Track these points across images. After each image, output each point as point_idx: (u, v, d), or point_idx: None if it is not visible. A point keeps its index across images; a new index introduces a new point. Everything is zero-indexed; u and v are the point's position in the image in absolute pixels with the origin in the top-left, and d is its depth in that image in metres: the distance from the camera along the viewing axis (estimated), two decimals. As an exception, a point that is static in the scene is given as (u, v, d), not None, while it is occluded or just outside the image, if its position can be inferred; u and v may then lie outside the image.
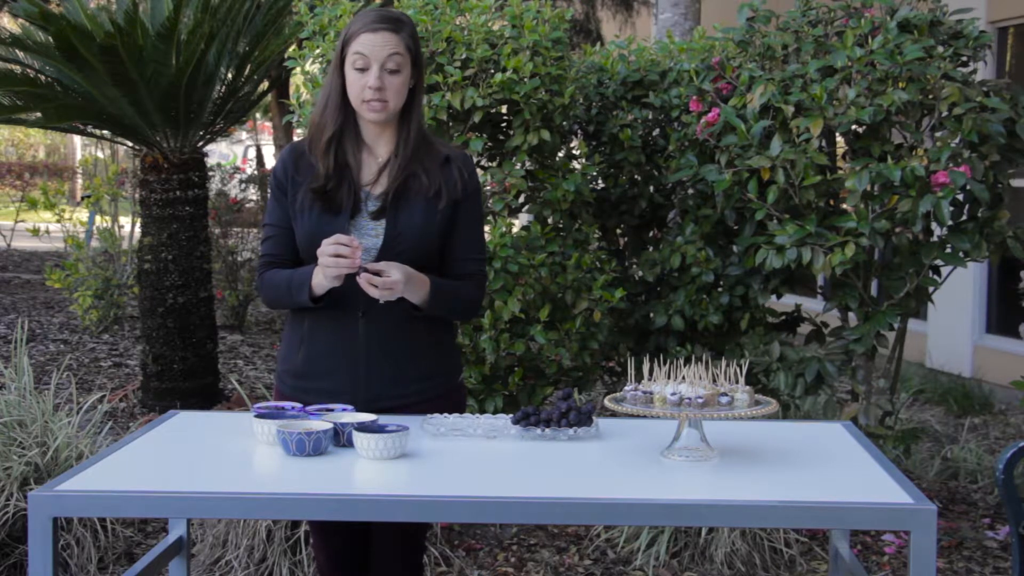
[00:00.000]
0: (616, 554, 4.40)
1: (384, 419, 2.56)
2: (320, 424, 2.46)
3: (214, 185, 9.70)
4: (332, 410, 2.61)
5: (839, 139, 4.58)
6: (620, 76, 4.86)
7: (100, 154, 11.77)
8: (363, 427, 2.44)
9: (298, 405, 2.64)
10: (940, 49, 4.21)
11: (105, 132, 7.00)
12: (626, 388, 2.47)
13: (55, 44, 5.78)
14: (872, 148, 4.19)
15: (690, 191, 4.72)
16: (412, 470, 2.36)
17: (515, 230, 4.48)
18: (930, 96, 4.13)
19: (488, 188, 4.42)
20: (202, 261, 6.46)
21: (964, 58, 4.30)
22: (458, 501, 2.19)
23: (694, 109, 4.43)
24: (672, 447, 2.44)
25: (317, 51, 4.42)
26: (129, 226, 9.98)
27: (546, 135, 4.33)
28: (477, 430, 2.62)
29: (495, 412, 4.24)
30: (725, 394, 2.41)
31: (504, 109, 4.45)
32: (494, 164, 4.56)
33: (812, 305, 5.41)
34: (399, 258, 2.67)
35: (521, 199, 4.58)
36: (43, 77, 6.33)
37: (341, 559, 2.87)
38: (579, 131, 4.92)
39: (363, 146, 2.77)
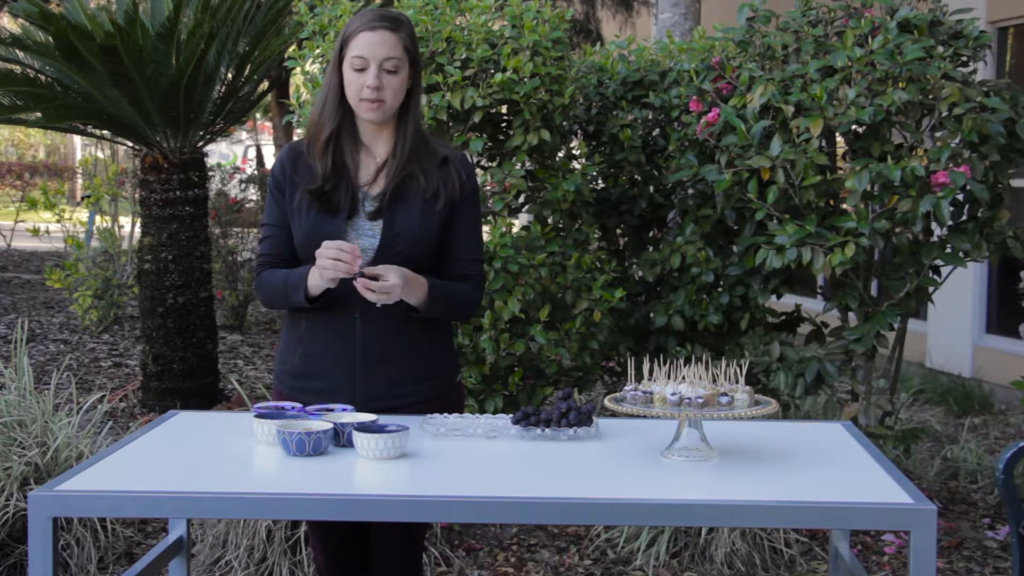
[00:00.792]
0: (616, 554, 4.40)
1: (384, 419, 2.56)
2: (320, 424, 2.46)
3: (214, 185, 9.70)
4: (332, 410, 2.61)
5: (839, 139, 4.58)
6: (620, 76, 4.86)
7: (100, 154, 11.77)
8: (363, 427, 2.44)
9: (298, 405, 2.64)
10: (940, 49, 4.21)
11: (105, 132, 7.00)
12: (626, 388, 2.46)
13: (55, 44, 5.78)
14: (872, 148, 4.19)
15: (690, 191, 4.72)
16: (412, 470, 2.36)
17: (515, 230, 4.48)
18: (930, 96, 4.13)
19: (488, 188, 4.42)
20: (202, 261, 6.46)
21: (964, 58, 4.30)
22: (458, 501, 2.19)
23: (694, 109, 4.43)
24: (672, 447, 2.44)
25: (317, 51, 4.42)
26: (129, 226, 9.98)
27: (546, 135, 4.33)
28: (477, 430, 2.62)
29: (495, 412, 4.24)
30: (725, 394, 2.41)
31: (504, 109, 4.45)
32: (494, 164, 4.56)
33: (812, 305, 5.41)
34: (396, 259, 2.67)
35: (521, 199, 4.58)
36: (43, 77, 6.33)
37: (340, 559, 2.87)
38: (579, 131, 4.92)
39: (361, 146, 2.77)
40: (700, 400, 2.37)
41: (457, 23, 4.37)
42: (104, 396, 5.10)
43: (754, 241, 4.32)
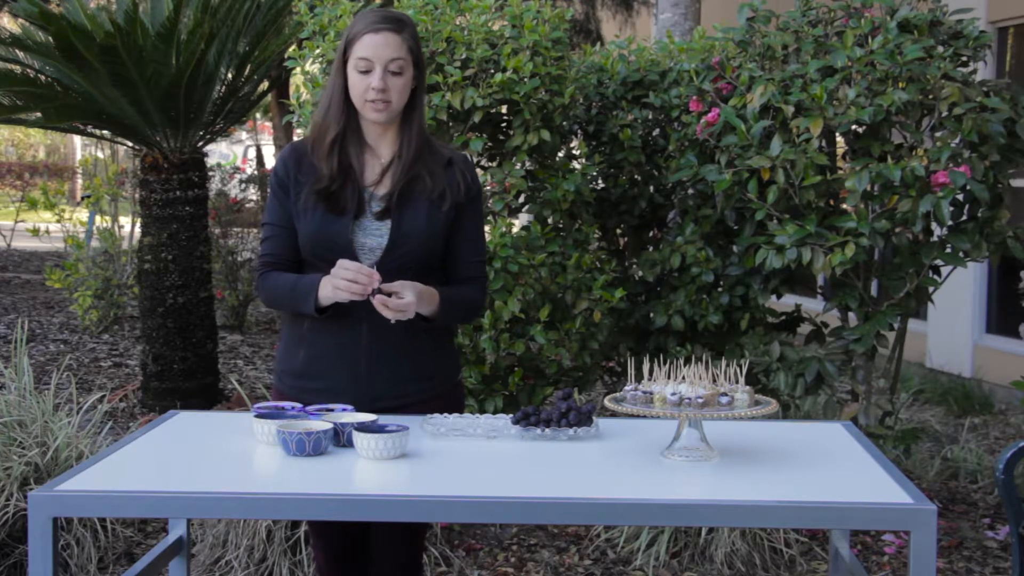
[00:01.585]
0: (616, 554, 4.40)
1: (384, 419, 2.56)
2: (320, 424, 2.46)
3: (214, 185, 9.71)
4: (332, 410, 2.61)
5: (839, 139, 4.58)
6: (620, 76, 4.86)
7: (100, 154, 11.77)
8: (363, 427, 2.44)
9: (298, 405, 2.64)
10: (940, 49, 4.21)
11: (105, 132, 7.01)
12: (626, 388, 2.47)
13: (55, 44, 5.78)
14: (872, 148, 4.19)
15: (690, 191, 4.72)
16: (412, 470, 2.36)
17: (515, 230, 4.48)
18: (930, 96, 4.13)
19: (488, 188, 4.42)
20: (202, 261, 6.46)
21: (964, 58, 4.30)
22: (458, 501, 2.19)
23: (694, 109, 4.43)
24: (672, 447, 2.44)
25: (317, 51, 4.42)
26: (129, 226, 9.98)
27: (546, 135, 4.33)
28: (477, 430, 2.62)
29: (495, 412, 4.24)
30: (725, 394, 2.41)
31: (504, 109, 4.45)
32: (494, 164, 4.56)
33: (812, 305, 5.41)
34: (403, 259, 2.68)
35: (521, 199, 4.58)
36: (43, 77, 6.33)
37: (341, 559, 2.87)
38: (579, 131, 4.92)
39: (366, 147, 2.77)
40: (700, 400, 2.37)
41: (457, 23, 4.37)
42: (104, 396, 5.10)
43: (754, 241, 4.32)
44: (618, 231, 5.05)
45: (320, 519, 2.80)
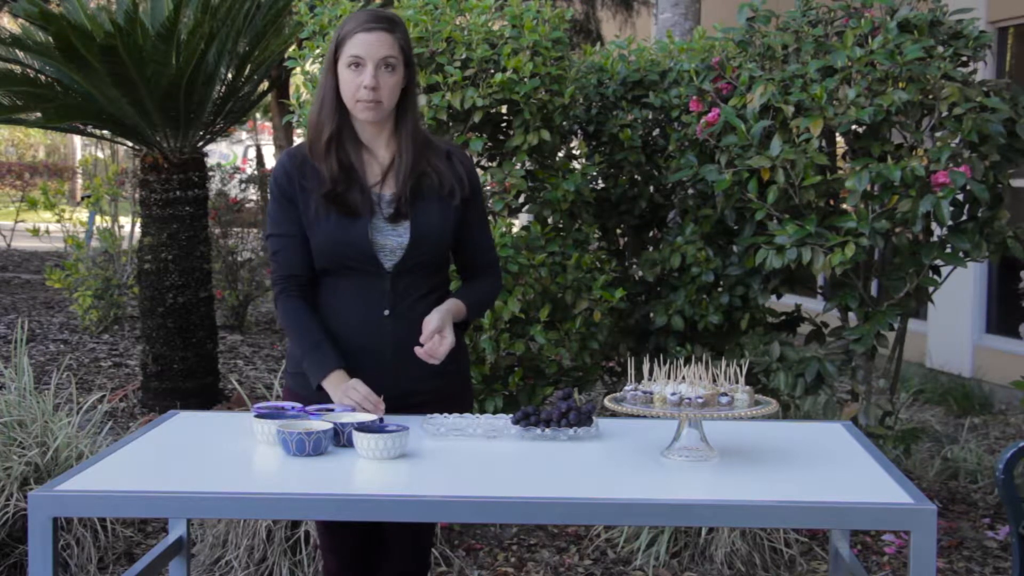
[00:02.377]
0: (616, 554, 4.40)
1: (384, 419, 2.56)
2: (320, 424, 2.46)
3: (214, 185, 9.70)
4: (332, 410, 2.61)
5: (839, 139, 4.58)
6: (620, 76, 4.86)
7: (100, 154, 11.78)
8: (363, 427, 2.44)
9: (298, 405, 2.64)
10: (940, 49, 4.21)
11: (105, 132, 7.01)
12: (626, 388, 2.47)
13: (55, 44, 5.78)
14: (872, 148, 4.19)
15: (690, 191, 4.72)
16: (412, 470, 2.36)
17: (515, 230, 4.48)
18: (930, 96, 4.13)
19: (488, 188, 4.42)
20: (202, 261, 6.46)
21: (964, 58, 4.30)
22: (458, 501, 2.19)
23: (694, 109, 4.43)
24: (672, 447, 2.44)
25: (317, 51, 4.42)
26: (129, 226, 9.98)
27: (546, 135, 4.33)
28: (477, 430, 2.63)
29: (495, 412, 4.24)
30: (725, 394, 2.41)
31: (504, 109, 4.45)
32: (494, 164, 4.56)
33: (812, 305, 5.41)
34: (422, 259, 2.71)
35: (521, 199, 4.58)
36: (43, 77, 6.33)
37: (352, 561, 2.85)
38: (579, 131, 4.92)
39: (362, 147, 2.77)
40: (700, 400, 2.37)
41: (457, 23, 4.37)
42: (104, 396, 5.10)
43: (754, 241, 4.32)
44: (618, 231, 5.05)
45: (320, 519, 2.80)
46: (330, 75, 2.71)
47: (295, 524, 4.06)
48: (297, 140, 11.67)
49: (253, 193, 10.38)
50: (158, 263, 6.34)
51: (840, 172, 4.31)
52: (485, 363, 4.35)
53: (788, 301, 5.23)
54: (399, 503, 2.21)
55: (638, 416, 2.42)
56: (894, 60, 4.07)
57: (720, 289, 4.68)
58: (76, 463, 4.16)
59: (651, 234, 5.06)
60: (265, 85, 7.63)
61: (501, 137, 4.56)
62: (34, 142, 28.10)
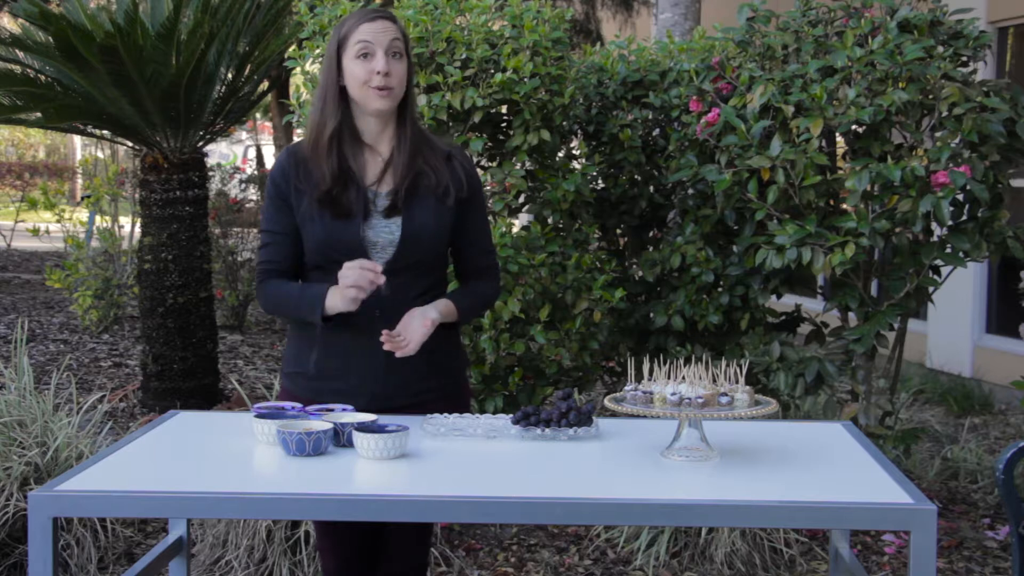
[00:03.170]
0: (616, 554, 4.40)
1: (384, 419, 2.56)
2: (320, 424, 2.46)
3: (214, 185, 9.71)
4: (332, 410, 2.61)
5: (839, 139, 4.58)
6: (620, 76, 4.86)
7: (100, 154, 11.78)
8: (363, 427, 2.44)
9: (298, 405, 2.64)
10: (940, 49, 4.21)
11: (105, 132, 7.01)
12: (626, 388, 2.46)
13: (55, 44, 5.78)
14: (872, 148, 4.19)
15: (690, 191, 4.72)
16: (412, 470, 2.36)
17: (515, 230, 4.48)
18: (930, 96, 4.13)
19: (488, 188, 4.42)
20: (202, 261, 6.46)
21: (964, 58, 4.30)
22: (458, 501, 2.19)
23: (694, 109, 4.43)
24: (672, 447, 2.44)
25: (317, 51, 4.42)
26: (129, 226, 9.98)
27: (546, 135, 4.33)
28: (477, 430, 2.62)
29: (495, 412, 4.24)
30: (725, 394, 2.41)
31: (504, 109, 4.45)
32: (494, 164, 4.56)
33: (812, 305, 5.41)
34: (415, 255, 2.70)
35: (521, 199, 4.58)
36: (43, 77, 6.33)
37: (351, 562, 2.85)
38: (579, 131, 4.91)
39: (363, 146, 2.76)
40: (700, 400, 2.37)
41: (457, 23, 4.37)
42: (104, 396, 5.11)
43: (754, 241, 4.32)
44: (618, 231, 5.05)
45: (320, 519, 2.80)
46: (332, 72, 2.70)
47: (295, 524, 4.06)
48: (297, 140, 11.66)
49: (253, 193, 10.39)
50: (158, 263, 6.34)
51: (840, 172, 4.31)
52: (485, 363, 4.35)
53: (788, 301, 5.23)
54: (399, 503, 2.21)
55: (638, 416, 2.42)
56: (894, 60, 4.07)
57: (720, 289, 4.68)
58: (76, 463, 4.16)
59: (651, 234, 5.06)
60: (265, 85, 7.63)
61: (501, 137, 4.56)
62: (34, 142, 28.11)
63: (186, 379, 6.37)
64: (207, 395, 6.43)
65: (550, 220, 4.54)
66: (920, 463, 5.26)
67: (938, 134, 4.18)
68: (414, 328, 2.64)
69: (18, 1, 6.06)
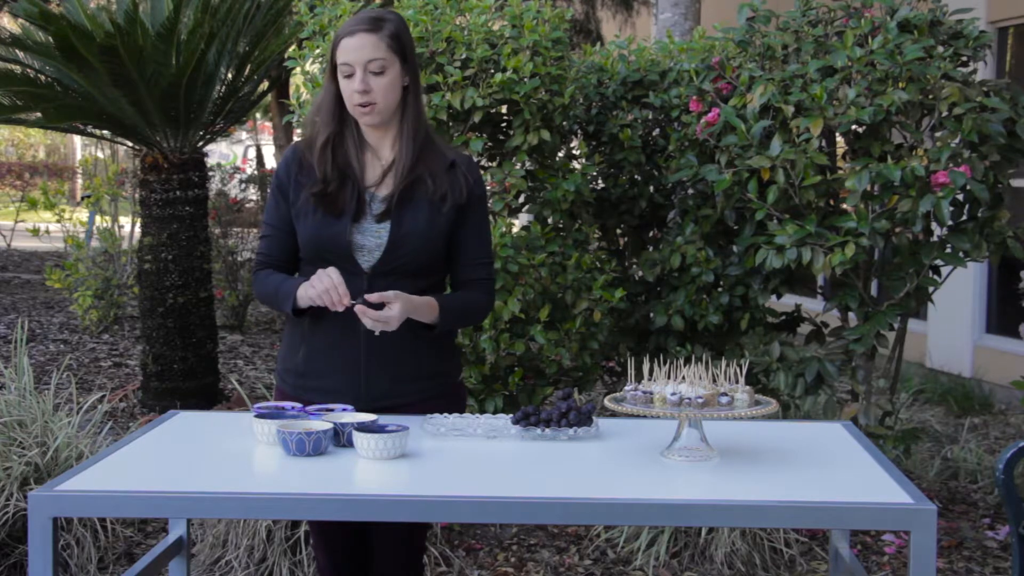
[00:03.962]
0: (616, 554, 4.40)
1: (384, 419, 2.56)
2: (320, 424, 2.46)
3: (214, 185, 9.71)
4: (332, 410, 2.61)
5: (839, 139, 4.58)
6: (620, 76, 4.86)
7: (100, 154, 11.78)
8: (363, 427, 2.44)
9: (298, 405, 2.64)
10: (940, 49, 4.21)
11: (105, 132, 7.01)
12: (626, 388, 2.46)
13: (55, 44, 5.78)
14: (872, 148, 4.19)
15: (690, 191, 4.72)
16: (412, 470, 2.36)
17: (515, 230, 4.48)
18: (930, 96, 4.13)
19: (488, 188, 4.41)
20: (202, 261, 6.46)
21: (964, 58, 4.30)
22: (458, 501, 2.19)
23: (694, 109, 4.43)
24: (672, 447, 2.44)
25: (317, 51, 4.42)
26: (129, 226, 9.98)
27: (546, 135, 4.33)
28: (477, 430, 2.62)
29: (495, 412, 4.24)
30: (725, 394, 2.41)
31: (504, 109, 4.45)
32: (494, 164, 4.56)
33: (812, 305, 5.41)
34: (402, 260, 2.69)
35: (521, 199, 4.58)
36: (43, 77, 6.33)
37: (343, 560, 2.87)
38: (579, 131, 4.91)
39: (366, 148, 2.77)
40: (700, 400, 2.37)
41: (457, 23, 4.37)
42: (104, 396, 5.11)
43: (754, 241, 4.32)
44: (618, 231, 5.05)
45: (320, 519, 2.81)
46: (331, 81, 2.73)
47: (295, 524, 4.06)
48: (297, 140, 11.65)
49: (253, 193, 10.39)
50: (158, 263, 6.34)
51: (840, 172, 4.31)
52: (485, 363, 4.35)
53: (788, 301, 5.23)
54: (399, 503, 2.21)
55: (638, 416, 2.42)
56: (894, 60, 4.07)
57: (720, 289, 4.68)
58: (76, 463, 4.16)
59: (651, 234, 5.06)
60: (265, 85, 7.63)
61: (501, 137, 4.56)
62: (34, 142, 28.10)
63: (186, 379, 6.37)
64: (207, 395, 6.43)
65: (550, 220, 4.54)
66: (920, 463, 5.26)
67: (938, 134, 4.18)
68: (393, 307, 2.61)
69: (18, 1, 6.06)
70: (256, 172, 11.76)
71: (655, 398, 2.41)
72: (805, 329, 4.89)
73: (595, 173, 4.75)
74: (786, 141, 4.14)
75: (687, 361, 2.56)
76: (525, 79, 4.24)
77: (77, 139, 23.49)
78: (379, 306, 2.60)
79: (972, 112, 4.06)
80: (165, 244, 6.33)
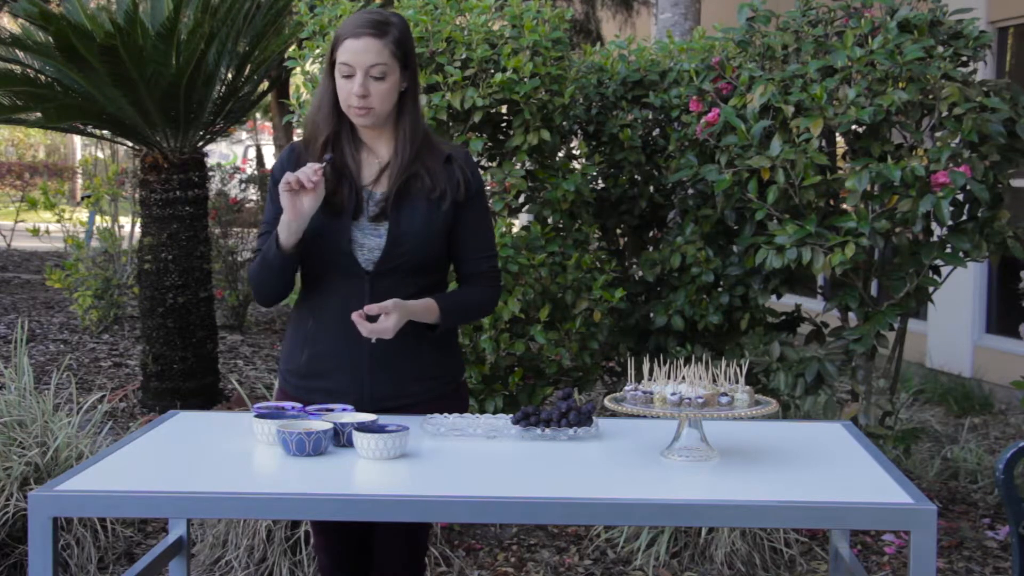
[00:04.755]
0: (616, 554, 4.40)
1: (384, 419, 2.56)
2: (320, 424, 2.46)
3: (214, 185, 9.70)
4: (332, 410, 2.61)
5: (839, 139, 4.58)
6: (620, 76, 4.86)
7: (100, 154, 11.78)
8: (363, 427, 2.44)
9: (298, 405, 2.64)
10: (940, 49, 4.21)
11: (105, 132, 7.00)
12: (626, 388, 2.47)
13: (55, 44, 5.78)
14: (872, 148, 4.19)
15: (690, 191, 4.72)
16: (412, 470, 2.36)
17: (515, 230, 4.48)
18: (930, 96, 4.14)
19: (488, 188, 4.41)
20: (202, 261, 6.46)
21: (964, 58, 4.30)
22: (458, 501, 2.19)
23: (694, 109, 4.43)
24: (672, 447, 2.44)
25: (317, 51, 4.42)
26: (129, 226, 9.98)
27: (546, 135, 4.33)
28: (477, 430, 2.62)
29: (495, 412, 4.24)
30: (725, 394, 2.41)
31: (504, 109, 4.45)
32: (494, 164, 4.56)
33: (812, 305, 5.41)
34: (402, 259, 2.69)
35: (521, 199, 4.58)
36: (43, 77, 6.33)
37: (344, 560, 2.87)
38: (579, 131, 4.91)
39: (362, 146, 2.77)
40: (700, 400, 2.37)
41: (457, 23, 4.37)
42: (104, 396, 5.11)
43: (754, 241, 4.32)
44: (618, 231, 5.05)
45: (320, 519, 2.81)
46: (328, 78, 2.72)
47: (295, 524, 4.06)
48: (297, 140, 11.65)
49: (253, 193, 10.38)
50: (158, 263, 6.34)
51: (840, 172, 4.31)
52: (485, 363, 4.35)
53: (788, 301, 5.23)
54: (399, 503, 2.21)
55: (638, 416, 2.42)
56: (894, 60, 4.07)
57: (720, 289, 4.68)
58: (76, 463, 4.16)
59: (651, 234, 5.06)
60: (265, 85, 7.63)
61: (501, 137, 4.56)
62: (34, 142, 28.10)
63: (186, 379, 6.37)
64: (207, 395, 6.43)
65: (550, 220, 4.54)
66: (920, 463, 5.26)
67: (938, 134, 4.18)
68: (389, 318, 2.61)
69: (18, 1, 6.06)
70: (256, 172, 11.76)
71: (655, 398, 2.41)
72: (805, 329, 4.89)
73: (595, 173, 4.75)
74: (786, 141, 4.14)
75: (687, 361, 2.56)
76: (525, 79, 4.24)
77: (77, 139, 23.49)
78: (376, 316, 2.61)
79: (972, 112, 4.06)
80: (165, 244, 6.33)
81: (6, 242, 14.41)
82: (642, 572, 4.26)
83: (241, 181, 10.40)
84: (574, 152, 4.90)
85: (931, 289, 4.49)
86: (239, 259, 9.27)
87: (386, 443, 2.38)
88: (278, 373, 2.89)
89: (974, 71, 4.35)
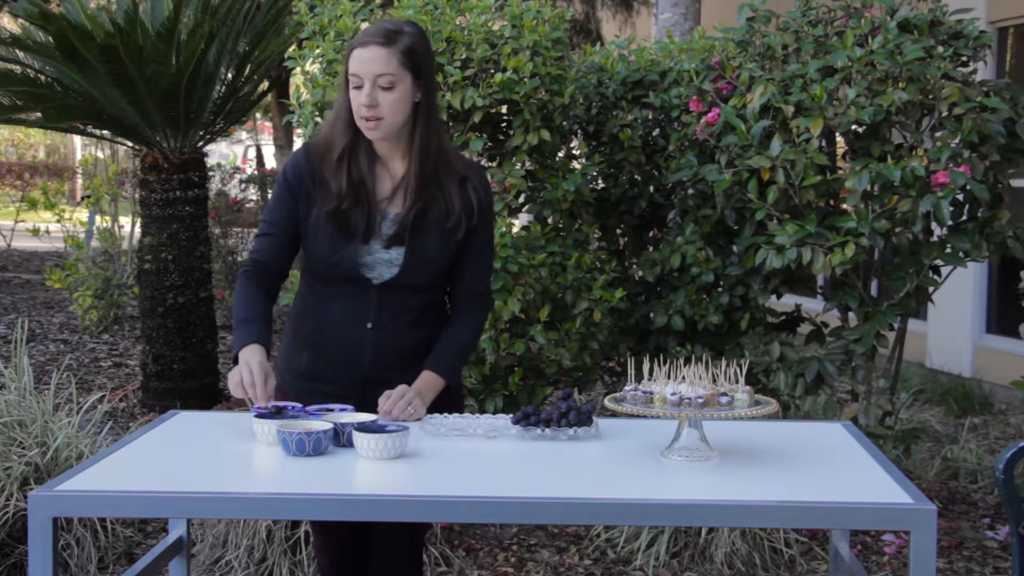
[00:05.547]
0: (616, 554, 4.40)
1: (384, 419, 2.56)
2: (320, 424, 2.46)
3: (214, 185, 9.71)
4: (332, 410, 2.61)
5: (839, 139, 4.58)
6: (620, 76, 4.86)
7: (100, 154, 11.78)
8: (363, 427, 2.44)
9: (298, 405, 2.64)
10: (940, 49, 4.21)
11: (105, 132, 7.01)
12: (626, 388, 2.46)
13: (55, 44, 5.78)
14: (872, 148, 4.19)
15: (690, 191, 4.72)
16: (412, 470, 2.36)
17: (515, 230, 4.48)
18: (930, 96, 4.13)
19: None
20: (202, 261, 6.46)
21: (964, 58, 4.30)
22: (458, 501, 2.19)
23: (694, 109, 4.43)
24: (672, 447, 2.44)
25: (317, 51, 4.42)
26: (129, 226, 9.98)
27: (546, 135, 4.33)
28: (477, 430, 2.62)
29: (495, 412, 4.24)
30: (725, 394, 2.41)
31: (504, 109, 4.45)
32: (494, 164, 4.56)
33: (812, 305, 5.41)
34: (412, 286, 2.69)
35: (521, 199, 4.58)
36: (43, 77, 6.33)
37: (343, 559, 2.87)
38: (579, 131, 4.91)
39: (377, 160, 2.72)
40: (700, 400, 2.37)
41: (457, 23, 4.37)
42: (104, 396, 5.11)
43: (754, 241, 4.32)
44: (618, 231, 5.05)
45: (320, 519, 2.81)
46: (344, 91, 2.67)
47: (295, 524, 4.06)
48: (297, 140, 11.68)
49: (253, 193, 10.39)
50: (158, 263, 6.34)
51: (840, 172, 4.30)
52: (485, 363, 4.35)
53: (788, 301, 5.22)
54: (399, 503, 2.21)
55: (638, 416, 2.42)
56: (894, 60, 4.07)
57: (720, 289, 4.68)
58: (76, 463, 4.16)
59: (651, 234, 5.06)
60: (265, 85, 7.63)
61: (501, 137, 4.56)
62: (34, 142, 28.09)
63: (186, 379, 6.37)
64: (207, 395, 6.43)
65: (550, 220, 4.54)
66: (920, 463, 5.26)
67: (938, 134, 4.18)
68: (414, 404, 2.66)
69: (18, 1, 6.06)
70: (256, 172, 11.76)
71: (655, 398, 2.41)
72: (805, 329, 4.89)
73: (595, 173, 4.75)
74: (786, 141, 4.14)
75: (687, 361, 2.56)
76: (525, 79, 4.24)
77: (77, 139, 23.48)
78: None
79: (972, 112, 4.06)
80: (165, 244, 6.33)
81: (6, 242, 14.41)
82: (642, 572, 4.26)
83: (241, 181, 10.41)
84: (574, 152, 4.90)
85: (931, 289, 4.49)
86: (239, 259, 9.27)
87: (386, 443, 2.38)
88: (276, 371, 2.86)
89: (974, 71, 4.35)
